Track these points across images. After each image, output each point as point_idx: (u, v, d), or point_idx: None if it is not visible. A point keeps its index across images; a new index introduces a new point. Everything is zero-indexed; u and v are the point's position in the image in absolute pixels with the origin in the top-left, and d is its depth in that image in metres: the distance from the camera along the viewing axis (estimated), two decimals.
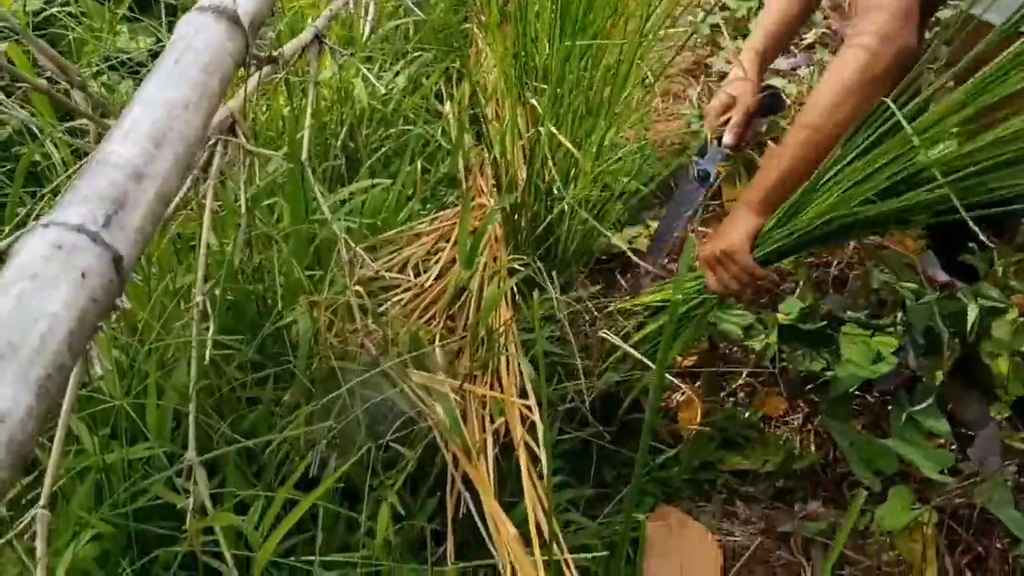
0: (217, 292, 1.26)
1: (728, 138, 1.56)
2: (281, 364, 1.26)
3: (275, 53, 1.52)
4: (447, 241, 1.79)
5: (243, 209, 1.29)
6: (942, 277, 1.54)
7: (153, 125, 0.76)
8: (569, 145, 1.60)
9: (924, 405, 1.42)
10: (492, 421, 1.27)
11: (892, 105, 1.21)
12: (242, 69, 0.98)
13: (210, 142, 1.29)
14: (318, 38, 1.76)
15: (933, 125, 1.24)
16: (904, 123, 1.19)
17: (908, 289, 1.53)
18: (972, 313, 1.46)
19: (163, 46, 1.99)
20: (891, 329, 1.56)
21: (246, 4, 1.00)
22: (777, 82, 2.34)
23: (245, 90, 1.37)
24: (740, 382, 1.68)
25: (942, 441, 1.46)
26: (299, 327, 1.27)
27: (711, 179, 1.59)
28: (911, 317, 1.50)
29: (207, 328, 1.15)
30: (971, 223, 1.15)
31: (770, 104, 1.65)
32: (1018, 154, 1.20)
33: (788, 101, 2.22)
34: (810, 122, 1.27)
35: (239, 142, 1.25)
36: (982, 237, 1.19)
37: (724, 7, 2.70)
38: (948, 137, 1.26)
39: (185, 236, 1.42)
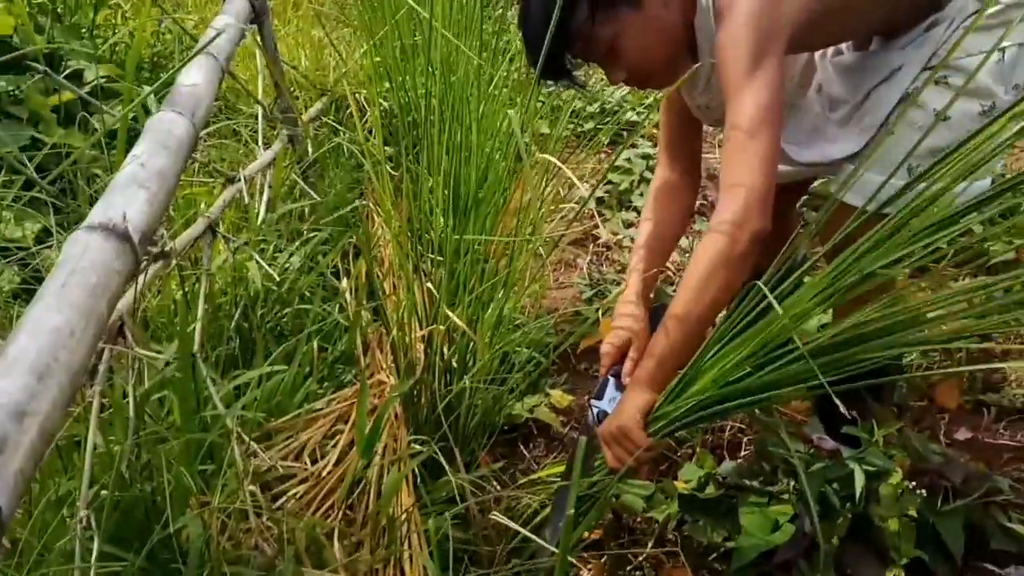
0: (104, 493, 1.20)
1: (627, 378, 1.52)
2: (171, 574, 1.19)
3: (167, 248, 1.51)
4: (345, 423, 1.76)
5: (131, 412, 1.25)
6: (828, 444, 1.60)
7: (38, 356, 0.75)
8: (466, 329, 1.62)
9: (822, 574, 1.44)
10: None
11: (764, 288, 1.28)
12: None
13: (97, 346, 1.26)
14: (211, 228, 1.77)
15: (803, 302, 1.31)
16: (774, 303, 1.26)
17: (798, 456, 1.57)
18: (859, 479, 1.51)
19: (51, 238, 1.94)
20: (786, 496, 1.60)
21: (136, 219, 0.99)
22: None
23: (135, 291, 1.35)
24: (645, 554, 1.68)
25: None
26: (190, 533, 1.21)
27: None
28: (803, 484, 1.54)
29: (91, 537, 1.08)
30: (835, 398, 1.21)
31: None
32: (881, 328, 1.28)
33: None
34: (682, 307, 1.33)
35: (127, 350, 1.23)
36: (843, 408, 1.24)
37: (608, 181, 2.85)
38: (818, 312, 1.34)
39: (69, 436, 1.36)
